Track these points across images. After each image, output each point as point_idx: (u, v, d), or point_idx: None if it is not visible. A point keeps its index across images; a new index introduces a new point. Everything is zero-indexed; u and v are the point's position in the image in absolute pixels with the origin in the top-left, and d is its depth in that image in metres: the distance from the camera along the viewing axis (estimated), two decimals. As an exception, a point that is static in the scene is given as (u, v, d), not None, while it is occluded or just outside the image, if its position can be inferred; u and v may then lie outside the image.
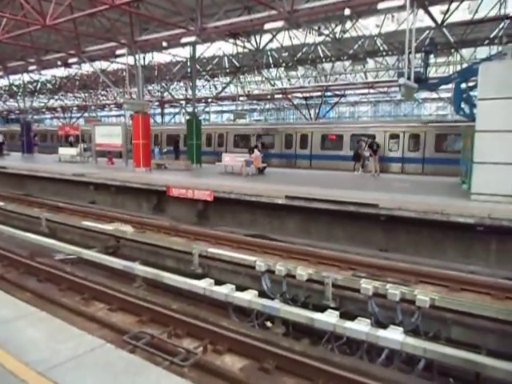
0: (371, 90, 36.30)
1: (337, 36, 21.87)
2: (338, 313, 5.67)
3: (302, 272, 7.22)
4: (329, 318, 5.45)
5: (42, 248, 9.93)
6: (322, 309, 6.38)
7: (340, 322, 5.36)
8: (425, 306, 6.06)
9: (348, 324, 5.26)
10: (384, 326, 5.52)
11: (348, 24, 21.28)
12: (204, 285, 6.64)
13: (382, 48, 25.84)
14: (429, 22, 18.03)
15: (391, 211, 10.13)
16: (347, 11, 13.78)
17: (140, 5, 16.25)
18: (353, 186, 13.63)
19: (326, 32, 22.06)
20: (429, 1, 15.34)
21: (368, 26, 23.06)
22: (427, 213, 9.65)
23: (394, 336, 4.92)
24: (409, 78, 12.50)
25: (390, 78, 29.79)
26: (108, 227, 11.29)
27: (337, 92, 36.74)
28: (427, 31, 21.31)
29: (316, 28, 21.94)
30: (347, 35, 22.10)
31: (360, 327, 5.15)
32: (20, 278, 8.55)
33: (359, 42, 24.35)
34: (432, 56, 20.66)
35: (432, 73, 26.66)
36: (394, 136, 21.83)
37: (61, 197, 17.77)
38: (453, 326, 6.16)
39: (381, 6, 12.98)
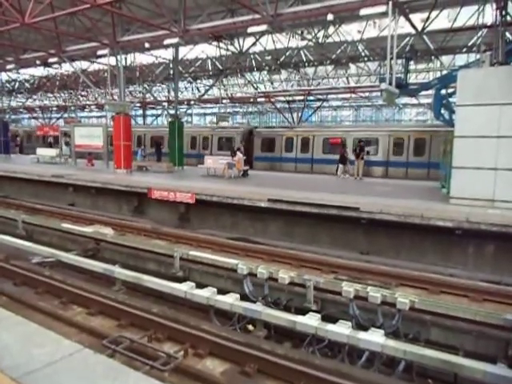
0: (353, 95, 36.73)
1: (320, 41, 22.07)
2: (319, 316, 5.68)
3: (284, 275, 7.23)
4: (310, 321, 5.45)
5: (18, 251, 9.70)
6: (303, 312, 6.39)
7: (321, 324, 5.37)
8: (405, 309, 6.13)
9: (329, 327, 5.27)
10: (365, 329, 5.56)
11: (331, 29, 21.50)
12: (185, 288, 6.57)
13: (363, 53, 26.20)
14: (409, 29, 18.35)
15: (372, 215, 10.24)
16: (330, 16, 13.92)
17: (122, 5, 16.11)
18: (336, 190, 13.73)
19: (309, 36, 22.24)
20: (409, 8, 15.63)
21: (350, 31, 23.32)
22: (407, 216, 9.78)
23: (374, 338, 4.95)
24: (390, 84, 12.68)
25: (372, 83, 30.22)
26: (87, 230, 11.10)
27: (319, 96, 37.04)
28: (408, 38, 21.70)
29: (299, 32, 22.10)
30: (330, 40, 22.34)
31: (341, 330, 5.16)
32: (-5, 282, 8.33)
33: (342, 47, 24.64)
34: (412, 62, 21.03)
35: (412, 79, 27.13)
36: (399, 140, 21.98)
37: (39, 198, 17.41)
38: (432, 327, 6.24)
39: (363, 12, 13.16)
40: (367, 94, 36.14)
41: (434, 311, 6.23)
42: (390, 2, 11.99)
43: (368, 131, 24.37)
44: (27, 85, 41.58)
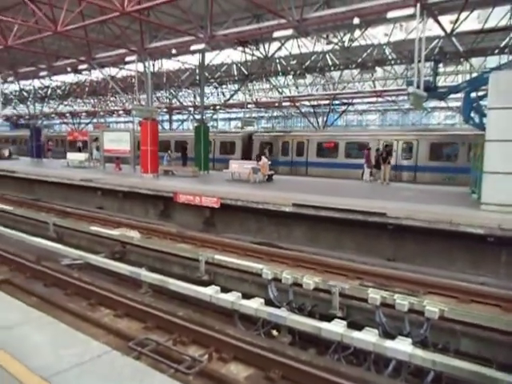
0: (379, 99, 36.27)
1: (345, 44, 21.91)
2: (345, 322, 5.60)
3: (309, 281, 7.16)
4: (336, 328, 5.38)
5: (49, 253, 9.95)
6: (328, 318, 6.32)
7: (347, 331, 5.28)
8: (434, 318, 5.97)
9: (355, 334, 5.18)
10: (392, 337, 5.45)
11: (357, 33, 21.33)
12: (210, 292, 6.59)
13: (390, 57, 25.85)
14: (438, 31, 18.00)
15: (399, 220, 10.05)
16: (356, 20, 13.80)
17: (150, 12, 16.40)
18: (361, 195, 13.55)
19: (335, 40, 22.12)
20: (438, 10, 15.32)
21: (377, 34, 23.08)
22: (436, 222, 9.56)
23: (402, 347, 4.84)
24: (418, 87, 12.46)
25: (399, 86, 29.76)
26: (115, 232, 11.30)
27: (345, 100, 36.75)
28: (436, 40, 21.29)
29: (324, 36, 22.01)
30: (356, 44, 22.15)
31: (367, 337, 5.07)
32: (27, 283, 8.56)
33: (368, 51, 24.39)
34: (441, 65, 20.62)
35: (441, 82, 26.58)
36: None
37: (69, 202, 17.87)
38: (462, 338, 6.06)
39: (390, 15, 12.99)
40: (394, 97, 35.60)
41: (464, 321, 6.04)
42: (418, 4, 11.81)
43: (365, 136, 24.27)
44: (58, 91, 42.91)
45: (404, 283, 7.83)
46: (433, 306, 6.05)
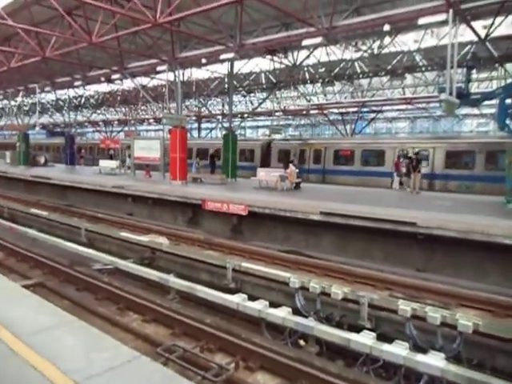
0: (409, 106, 35.67)
1: (375, 51, 21.71)
2: (374, 334, 5.48)
3: (337, 290, 7.06)
4: (365, 340, 5.28)
5: (81, 257, 10.22)
6: (357, 329, 6.21)
7: (377, 344, 5.18)
8: (467, 332, 5.77)
9: (385, 347, 5.07)
10: (423, 351, 5.30)
11: (386, 39, 21.10)
12: (237, 300, 6.60)
13: (421, 63, 25.42)
14: (471, 36, 17.57)
15: (430, 230, 9.80)
16: (386, 27, 13.67)
17: (181, 23, 16.74)
18: (390, 203, 13.30)
19: (364, 47, 21.95)
20: (471, 15, 14.99)
21: (407, 41, 22.76)
22: (468, 233, 9.26)
23: (434, 362, 4.69)
24: (450, 94, 12.18)
25: (430, 93, 29.20)
26: (144, 239, 11.49)
27: (374, 108, 36.34)
28: (469, 45, 20.80)
29: (353, 44, 21.88)
30: (385, 51, 21.91)
31: (398, 351, 4.95)
32: (60, 286, 8.82)
33: (398, 58, 24.07)
34: (474, 71, 20.10)
35: (474, 88, 25.90)
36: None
37: (100, 208, 18.30)
38: (498, 354, 5.82)
39: (421, 21, 12.78)
40: (424, 104, 34.94)
41: (501, 336, 5.80)
42: (451, 10, 11.58)
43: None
44: (92, 100, 44.27)
45: (435, 295, 7.62)
46: (466, 320, 5.85)
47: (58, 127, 56.72)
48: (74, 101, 40.25)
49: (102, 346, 3.56)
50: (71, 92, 35.41)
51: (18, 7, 16.30)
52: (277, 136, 31.81)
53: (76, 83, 27.53)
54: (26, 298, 4.94)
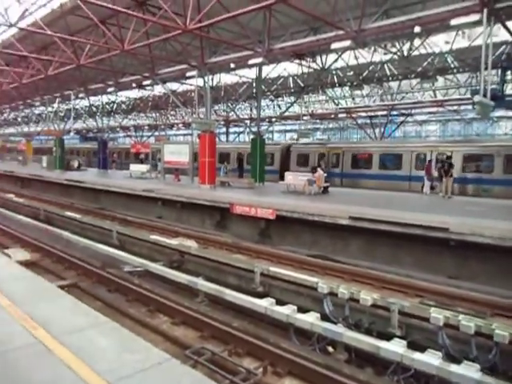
0: (440, 109, 34.82)
1: (404, 54, 21.34)
2: (405, 342, 5.37)
3: (367, 296, 6.96)
4: (396, 348, 5.18)
5: (112, 259, 10.47)
6: (386, 336, 6.10)
7: (408, 352, 5.07)
8: (503, 342, 5.57)
9: (416, 355, 4.96)
10: (456, 361, 5.15)
11: (416, 41, 20.71)
12: (265, 304, 6.61)
13: (453, 65, 24.81)
14: (505, 37, 17.03)
15: (463, 236, 9.52)
16: (417, 29, 13.41)
17: (210, 29, 16.96)
18: (421, 208, 13.01)
19: (394, 50, 21.62)
20: (506, 15, 14.54)
21: (437, 42, 22.27)
22: (505, 239, 8.95)
23: (469, 373, 4.55)
24: (484, 96, 11.83)
25: (461, 95, 28.44)
26: (173, 242, 11.67)
27: (403, 111, 35.67)
28: (504, 46, 20.17)
29: (383, 46, 21.58)
30: (415, 53, 21.51)
31: (430, 360, 4.83)
32: (92, 287, 9.06)
33: (428, 60, 23.58)
34: (509, 72, 19.48)
35: (509, 89, 25.07)
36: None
37: (131, 211, 18.68)
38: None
39: (454, 22, 12.48)
40: (456, 107, 34.03)
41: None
42: (485, 10, 11.27)
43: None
44: (123, 106, 45.36)
45: (469, 303, 7.41)
46: (503, 330, 5.65)
47: (91, 132, 58.39)
48: (107, 107, 41.36)
49: (133, 347, 3.64)
50: (104, 98, 36.44)
51: (55, 17, 16.93)
52: (304, 140, 31.76)
53: (108, 89, 28.29)
54: (62, 298, 5.11)
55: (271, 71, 23.87)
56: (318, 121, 46.78)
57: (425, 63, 24.05)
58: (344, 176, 24.73)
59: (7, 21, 14.41)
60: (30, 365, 3.32)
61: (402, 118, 38.82)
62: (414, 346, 5.61)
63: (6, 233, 14.03)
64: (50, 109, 35.64)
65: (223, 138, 46.55)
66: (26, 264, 8.99)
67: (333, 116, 39.32)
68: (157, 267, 9.28)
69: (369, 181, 23.31)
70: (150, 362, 3.29)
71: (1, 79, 25.79)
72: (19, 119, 52.39)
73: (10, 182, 30.85)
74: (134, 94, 37.39)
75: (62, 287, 7.11)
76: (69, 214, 16.61)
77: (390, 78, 28.69)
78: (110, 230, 13.66)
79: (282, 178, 24.59)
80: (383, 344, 5.32)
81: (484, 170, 19.88)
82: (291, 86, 31.79)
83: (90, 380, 3.02)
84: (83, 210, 18.51)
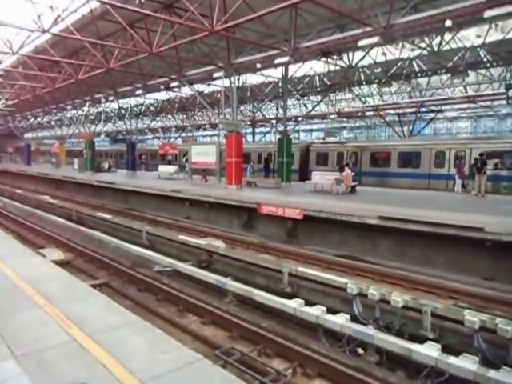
0: (472, 105, 33.79)
1: (434, 49, 20.80)
2: (439, 346, 5.23)
3: (398, 298, 6.81)
4: (429, 351, 5.04)
5: (142, 259, 10.64)
6: (418, 339, 5.96)
7: (442, 356, 4.92)
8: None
9: (452, 359, 4.81)
10: (494, 366, 4.97)
11: (447, 36, 20.16)
12: (294, 305, 6.56)
13: (485, 59, 24.03)
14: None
15: (499, 236, 9.20)
16: (448, 22, 13.03)
17: (236, 29, 17.02)
18: (453, 207, 12.67)
19: (423, 45, 21.11)
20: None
21: (468, 36, 21.61)
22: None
23: (509, 380, 4.36)
24: (520, 91, 11.41)
25: (495, 90, 27.50)
26: (202, 242, 11.76)
27: (433, 107, 34.79)
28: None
29: (411, 42, 21.12)
30: (446, 47, 20.93)
31: (466, 365, 4.67)
32: (123, 286, 9.25)
33: (459, 54, 22.91)
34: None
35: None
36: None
37: (159, 211, 18.97)
38: None
39: (488, 13, 12.04)
40: (489, 102, 32.94)
41: None
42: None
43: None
44: (151, 108, 46.11)
45: (506, 306, 7.15)
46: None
47: (120, 134, 59.67)
48: (135, 109, 42.16)
49: (165, 347, 3.68)
50: (132, 100, 37.15)
51: (86, 23, 17.37)
52: (331, 138, 31.47)
53: (137, 92, 28.81)
54: (95, 298, 5.23)
55: (297, 70, 23.73)
56: (344, 119, 46.26)
57: (455, 58, 23.38)
58: (362, 174, 24.64)
59: (40, 27, 14.87)
60: (66, 363, 3.41)
61: (431, 115, 37.89)
62: (447, 349, 5.45)
63: (41, 233, 14.50)
64: (80, 112, 36.64)
65: (249, 138, 46.65)
66: (61, 264, 9.22)
67: (360, 114, 38.81)
68: (186, 267, 9.37)
69: (387, 179, 23.42)
70: (182, 361, 3.32)
71: (35, 84, 26.65)
72: (52, 122, 54.02)
73: (44, 183, 31.87)
74: (162, 96, 37.98)
75: (94, 286, 7.28)
76: (100, 214, 17.01)
77: (419, 74, 28.05)
78: (139, 231, 13.90)
79: (301, 177, 24.85)
80: (416, 347, 5.19)
81: (507, 168, 19.65)
82: (317, 84, 31.56)
83: (123, 378, 3.07)
84: (114, 211, 18.93)
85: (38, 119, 54.44)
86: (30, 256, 7.68)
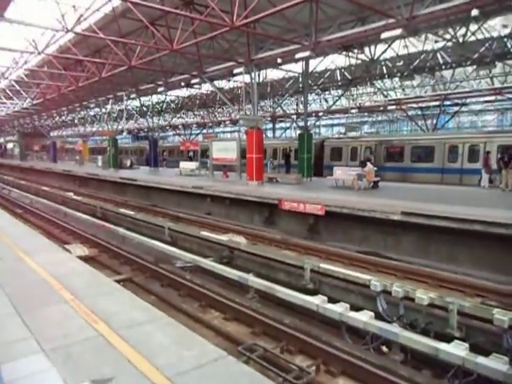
0: (499, 97, 32.83)
1: (460, 40, 20.26)
2: (467, 345, 5.10)
3: (423, 295, 6.67)
4: (457, 350, 4.92)
5: (164, 255, 10.75)
6: (443, 337, 5.83)
7: (470, 355, 4.80)
8: None
9: (480, 359, 4.68)
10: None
11: (472, 26, 19.58)
12: (317, 301, 6.51)
13: (513, 49, 23.28)
14: None
15: (529, 233, 8.92)
16: (475, 12, 12.63)
17: (256, 25, 16.94)
18: (479, 203, 12.34)
19: (447, 36, 20.59)
20: None
21: (494, 26, 20.95)
22: None
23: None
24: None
25: (524, 82, 26.67)
26: (223, 238, 11.79)
27: (457, 100, 33.96)
28: None
29: (435, 33, 20.61)
30: (471, 38, 20.34)
31: (495, 365, 4.54)
32: (146, 282, 9.38)
33: (486, 45, 22.25)
34: None
35: None
36: None
37: (181, 207, 19.13)
38: None
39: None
40: (516, 94, 31.95)
41: None
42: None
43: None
44: (172, 105, 46.47)
45: (536, 305, 6.93)
46: None
47: (141, 132, 60.36)
48: (157, 106, 42.56)
49: (189, 343, 3.70)
50: (154, 98, 37.50)
51: (108, 21, 17.57)
52: (352, 133, 31.17)
53: (158, 89, 29.05)
54: (119, 293, 5.30)
55: (318, 64, 23.49)
56: (366, 114, 45.65)
57: (482, 49, 22.73)
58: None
59: (64, 27, 15.12)
60: (92, 358, 3.47)
61: (455, 109, 37.00)
62: (475, 348, 5.32)
63: (66, 229, 14.82)
64: (103, 110, 37.19)
65: (269, 133, 46.53)
66: (85, 259, 9.41)
67: (382, 108, 38.19)
68: (207, 263, 9.42)
69: (400, 174, 23.33)
70: (206, 358, 3.33)
71: (59, 83, 27.19)
72: (76, 121, 55.08)
73: (68, 180, 32.56)
74: (183, 92, 38.20)
75: (117, 281, 7.38)
76: (123, 210, 17.27)
77: (443, 67, 27.40)
78: (162, 227, 14.03)
79: (316, 172, 24.81)
80: (443, 346, 5.08)
81: None
82: (338, 78, 31.20)
83: (149, 374, 3.10)
84: (136, 207, 19.18)
85: (63, 117, 55.57)
86: (57, 251, 7.84)
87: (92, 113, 48.31)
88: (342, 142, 27.94)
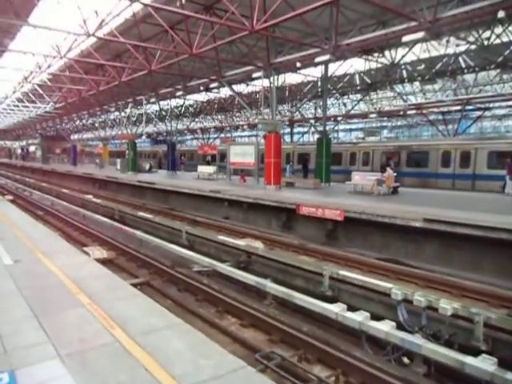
0: (524, 102, 32.03)
1: (484, 43, 19.81)
2: (495, 360, 4.88)
3: (447, 305, 6.45)
4: (484, 365, 4.71)
5: (182, 259, 10.71)
6: (468, 350, 5.61)
7: (498, 371, 4.59)
8: None
9: (510, 375, 4.47)
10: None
11: (497, 29, 19.13)
12: (337, 310, 6.35)
13: (539, 53, 22.65)
14: None
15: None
16: (501, 13, 12.29)
17: (275, 28, 16.90)
18: (505, 210, 11.97)
19: (471, 39, 20.16)
20: None
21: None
22: None
23: None
24: None
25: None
26: (240, 242, 11.70)
27: (480, 105, 33.24)
28: None
29: (458, 36, 20.22)
30: (496, 41, 19.88)
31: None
32: (163, 286, 9.34)
33: (511, 48, 21.71)
34: None
35: None
36: None
37: (199, 211, 19.12)
38: None
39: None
40: (543, 99, 31.09)
41: None
42: None
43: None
44: (191, 109, 46.75)
45: None
46: None
47: (160, 135, 60.88)
48: (175, 110, 42.86)
49: (207, 351, 3.61)
50: (173, 102, 37.79)
51: (128, 26, 17.79)
52: (371, 138, 30.83)
53: (177, 93, 29.27)
54: (137, 298, 5.25)
55: (337, 69, 23.32)
56: (385, 118, 45.13)
57: (506, 52, 22.19)
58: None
59: (86, 31, 15.34)
60: (109, 364, 3.40)
61: (478, 113, 36.23)
62: (503, 362, 5.09)
63: (85, 231, 14.95)
64: (123, 114, 37.63)
65: (287, 138, 46.38)
66: (103, 262, 9.43)
67: (401, 113, 37.67)
68: (225, 267, 9.33)
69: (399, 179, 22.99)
70: (225, 368, 3.23)
71: (81, 87, 27.64)
72: (96, 124, 55.97)
73: (88, 183, 33.01)
74: (201, 97, 38.39)
75: (134, 285, 7.37)
76: (141, 214, 17.36)
77: (466, 71, 26.87)
78: (179, 230, 14.03)
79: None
80: (470, 360, 4.86)
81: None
82: (357, 83, 30.92)
83: (165, 383, 3.02)
84: (154, 211, 19.26)
85: (83, 121, 56.52)
86: (75, 254, 7.87)
87: (112, 116, 49.01)
88: (341, 147, 28.52)
